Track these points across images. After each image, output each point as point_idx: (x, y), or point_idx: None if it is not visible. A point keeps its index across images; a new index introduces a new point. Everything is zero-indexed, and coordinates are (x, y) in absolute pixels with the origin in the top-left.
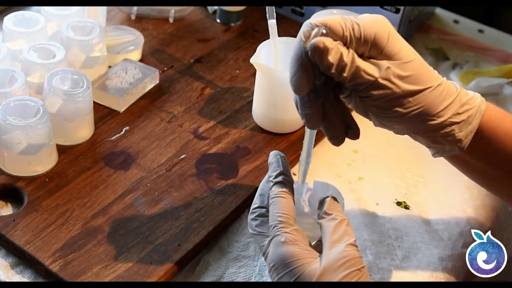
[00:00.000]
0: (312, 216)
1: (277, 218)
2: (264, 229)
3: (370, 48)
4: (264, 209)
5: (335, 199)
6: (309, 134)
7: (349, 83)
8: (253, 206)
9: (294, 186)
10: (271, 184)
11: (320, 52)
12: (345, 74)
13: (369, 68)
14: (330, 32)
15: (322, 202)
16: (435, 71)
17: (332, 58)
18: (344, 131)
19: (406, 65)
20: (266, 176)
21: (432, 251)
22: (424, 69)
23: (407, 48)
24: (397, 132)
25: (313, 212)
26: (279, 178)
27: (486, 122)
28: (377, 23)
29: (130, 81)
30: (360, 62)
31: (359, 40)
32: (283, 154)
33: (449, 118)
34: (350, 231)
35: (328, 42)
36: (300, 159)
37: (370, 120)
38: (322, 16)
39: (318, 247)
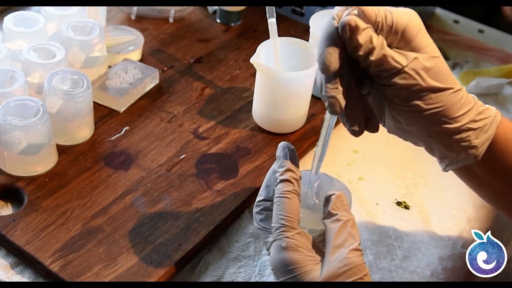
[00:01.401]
0: (318, 210)
1: (280, 220)
2: (269, 224)
3: (400, 39)
4: (269, 202)
5: (341, 195)
6: (328, 123)
7: (374, 68)
8: (258, 199)
9: (305, 175)
10: (277, 180)
11: (351, 30)
12: (372, 58)
13: (397, 56)
14: (363, 16)
15: (328, 199)
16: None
17: (362, 39)
18: (364, 121)
19: (432, 60)
20: (273, 167)
21: (432, 251)
22: (447, 69)
23: (433, 45)
24: (409, 136)
25: (319, 206)
26: (286, 176)
27: (501, 134)
28: (409, 15)
29: (130, 81)
30: (388, 49)
31: (390, 29)
32: (292, 147)
33: (466, 123)
34: (354, 233)
35: (360, 22)
36: (315, 150)
37: (382, 123)
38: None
39: (322, 237)
